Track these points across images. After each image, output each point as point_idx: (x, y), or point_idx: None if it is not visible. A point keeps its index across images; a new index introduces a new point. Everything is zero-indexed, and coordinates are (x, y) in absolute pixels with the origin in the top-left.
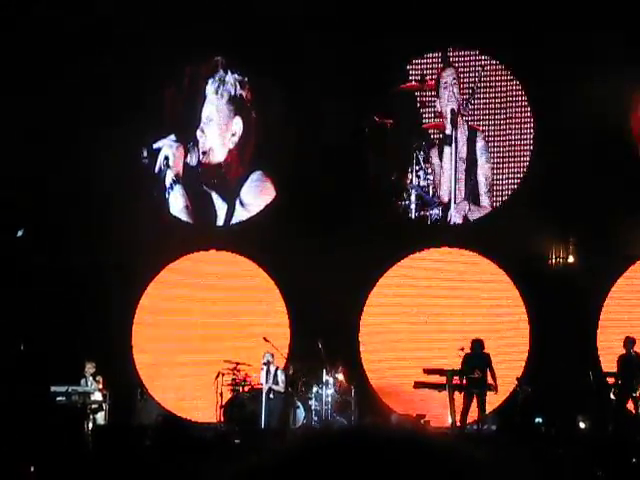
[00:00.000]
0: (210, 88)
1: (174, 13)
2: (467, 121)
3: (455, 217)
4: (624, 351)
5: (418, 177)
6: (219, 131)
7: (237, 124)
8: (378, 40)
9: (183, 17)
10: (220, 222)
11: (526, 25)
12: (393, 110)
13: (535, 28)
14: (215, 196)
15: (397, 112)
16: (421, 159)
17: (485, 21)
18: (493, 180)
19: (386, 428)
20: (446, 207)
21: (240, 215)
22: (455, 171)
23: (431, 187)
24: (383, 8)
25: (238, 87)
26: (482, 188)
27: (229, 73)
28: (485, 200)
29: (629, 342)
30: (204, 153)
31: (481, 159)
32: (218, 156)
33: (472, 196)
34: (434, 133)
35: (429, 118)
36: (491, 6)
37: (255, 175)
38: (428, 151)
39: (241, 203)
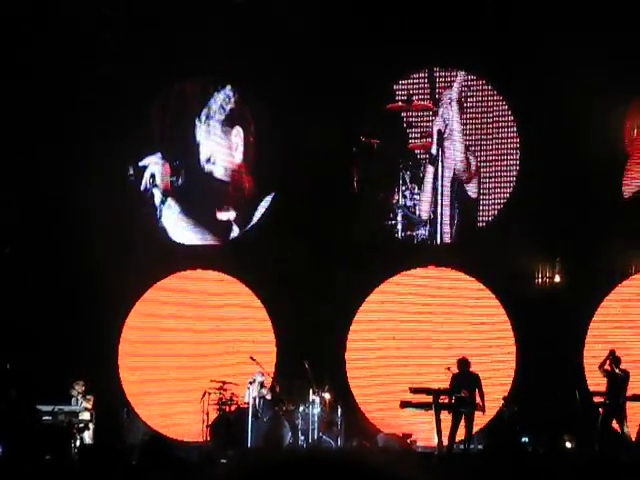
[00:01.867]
0: (202, 127)
1: (160, 30)
2: (465, 145)
3: (441, 237)
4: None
5: (404, 197)
6: (225, 157)
7: (237, 134)
8: (365, 60)
9: (169, 34)
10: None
11: (513, 44)
12: (379, 130)
13: (522, 47)
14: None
15: (383, 132)
16: (407, 179)
17: (472, 42)
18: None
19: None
20: (429, 225)
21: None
22: (441, 191)
23: (417, 207)
24: (370, 28)
25: (230, 101)
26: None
27: (215, 93)
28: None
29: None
30: (218, 180)
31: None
32: (225, 173)
33: (461, 203)
34: (421, 153)
35: (415, 138)
36: (477, 26)
37: (269, 198)
38: (417, 171)
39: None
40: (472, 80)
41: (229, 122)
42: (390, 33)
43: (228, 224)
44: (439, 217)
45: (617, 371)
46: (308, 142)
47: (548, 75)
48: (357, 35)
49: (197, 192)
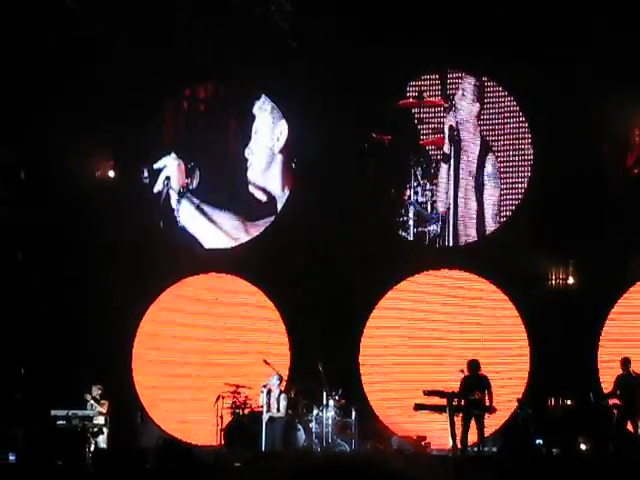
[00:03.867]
0: (256, 106)
1: (175, 33)
2: (482, 136)
3: (455, 233)
4: (622, 372)
5: (416, 193)
6: (264, 140)
7: (281, 126)
8: (378, 58)
9: (183, 37)
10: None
11: (526, 48)
12: (391, 126)
13: (535, 51)
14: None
15: (395, 128)
16: (419, 175)
17: (485, 45)
18: (500, 205)
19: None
20: (441, 222)
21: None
22: (454, 189)
23: (429, 203)
24: (384, 27)
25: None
26: (489, 212)
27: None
28: (491, 224)
29: (625, 362)
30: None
31: (489, 183)
32: (261, 162)
33: (479, 220)
34: (432, 149)
35: (427, 134)
36: (492, 30)
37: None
38: (428, 167)
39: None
40: (484, 82)
41: (278, 112)
42: (405, 32)
43: (253, 202)
44: (451, 214)
45: (632, 372)
46: (320, 139)
47: (562, 77)
48: (371, 33)
49: (214, 190)
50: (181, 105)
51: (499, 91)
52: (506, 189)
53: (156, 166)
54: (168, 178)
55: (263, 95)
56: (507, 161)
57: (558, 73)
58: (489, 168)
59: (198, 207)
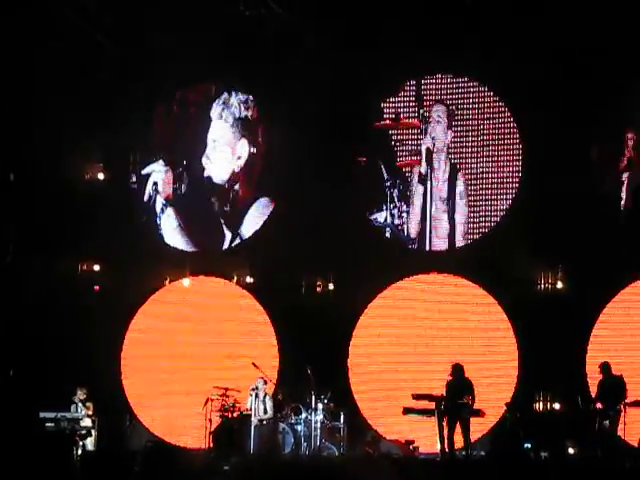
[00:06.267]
0: (214, 112)
1: (165, 36)
2: (450, 159)
3: (438, 245)
4: (603, 376)
5: (392, 215)
6: (224, 155)
7: (243, 147)
8: (354, 76)
9: (175, 39)
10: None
11: (517, 49)
12: (367, 148)
13: (526, 53)
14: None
15: (371, 150)
16: (395, 197)
17: (475, 47)
18: (469, 222)
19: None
20: (417, 243)
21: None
22: (430, 209)
23: (405, 225)
24: (359, 42)
25: (242, 108)
26: (458, 231)
27: (233, 95)
28: (461, 243)
29: (604, 367)
30: (209, 178)
31: (460, 202)
32: (222, 176)
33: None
34: (408, 171)
35: (404, 156)
36: (483, 33)
37: (261, 202)
38: (405, 189)
39: (240, 236)
40: (469, 84)
41: (239, 129)
42: (381, 42)
43: (221, 236)
44: (427, 234)
45: (616, 375)
46: (300, 158)
47: (553, 79)
48: (347, 49)
49: (197, 201)
50: (171, 108)
51: (485, 91)
52: (496, 193)
53: (144, 172)
54: (156, 183)
55: (223, 102)
56: (497, 165)
57: (548, 74)
58: (460, 186)
59: (179, 226)
